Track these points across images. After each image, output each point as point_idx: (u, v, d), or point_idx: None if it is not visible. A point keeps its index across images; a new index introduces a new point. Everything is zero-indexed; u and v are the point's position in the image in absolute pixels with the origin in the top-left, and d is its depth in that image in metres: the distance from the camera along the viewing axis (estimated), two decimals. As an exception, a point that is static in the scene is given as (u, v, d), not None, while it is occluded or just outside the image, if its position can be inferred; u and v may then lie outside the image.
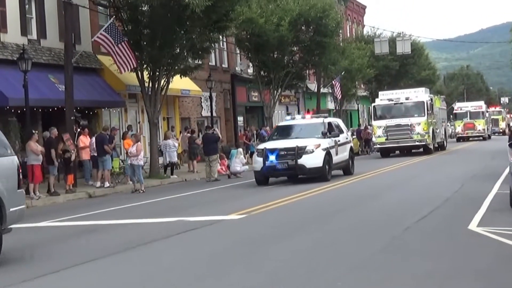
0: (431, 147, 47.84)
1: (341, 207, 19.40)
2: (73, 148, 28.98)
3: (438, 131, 51.33)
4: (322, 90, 64.10)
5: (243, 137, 48.57)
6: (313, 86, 65.09)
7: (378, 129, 48.08)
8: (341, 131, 31.84)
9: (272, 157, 27.95)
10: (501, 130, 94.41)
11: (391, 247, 12.64)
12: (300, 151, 27.84)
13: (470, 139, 74.91)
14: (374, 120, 49.28)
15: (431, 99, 50.06)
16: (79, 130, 31.69)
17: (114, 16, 34.26)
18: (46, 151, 26.76)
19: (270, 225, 16.31)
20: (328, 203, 20.68)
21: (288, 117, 35.80)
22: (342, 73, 58.99)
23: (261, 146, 29.92)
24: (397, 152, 49.21)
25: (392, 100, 48.76)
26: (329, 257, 11.94)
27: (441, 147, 53.04)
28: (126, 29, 34.36)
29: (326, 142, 28.89)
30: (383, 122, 47.86)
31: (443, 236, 13.60)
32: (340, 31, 59.61)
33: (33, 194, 25.88)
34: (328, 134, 29.44)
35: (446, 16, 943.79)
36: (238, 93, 54.72)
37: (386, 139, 47.53)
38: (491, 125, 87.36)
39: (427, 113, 47.29)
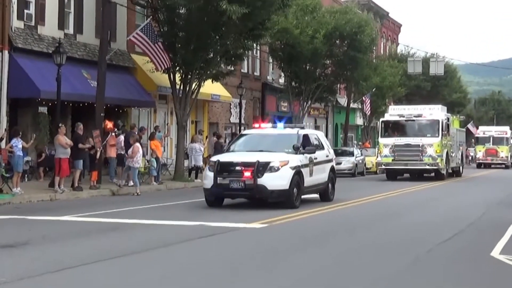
0: (444, 172, 43.39)
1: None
2: (100, 146, 29.09)
3: (453, 154, 46.83)
4: (352, 105, 64.07)
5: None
6: (343, 101, 65.02)
7: (385, 148, 43.56)
8: (320, 147, 26.02)
9: (225, 173, 22.47)
10: None
11: (413, 268, 12.57)
12: (261, 168, 22.18)
13: (492, 166, 71.18)
14: (381, 137, 44.78)
15: (448, 119, 45.72)
16: (115, 130, 31.61)
17: (151, 17, 34.47)
18: (73, 146, 26.86)
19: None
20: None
21: (257, 125, 27.96)
22: (373, 90, 58.92)
23: (214, 158, 24.38)
24: (407, 175, 45.10)
25: (403, 116, 44.23)
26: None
27: (456, 173, 48.45)
28: (161, 30, 34.51)
29: (297, 159, 23.20)
30: (391, 140, 43.49)
31: (465, 261, 13.49)
32: (374, 48, 59.54)
33: (58, 187, 26.01)
34: (301, 149, 23.73)
35: (480, 40, 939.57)
36: (268, 102, 54.77)
37: (393, 160, 43.12)
38: None
39: (442, 134, 42.96)
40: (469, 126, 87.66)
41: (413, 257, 13.59)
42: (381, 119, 46.55)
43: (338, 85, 57.20)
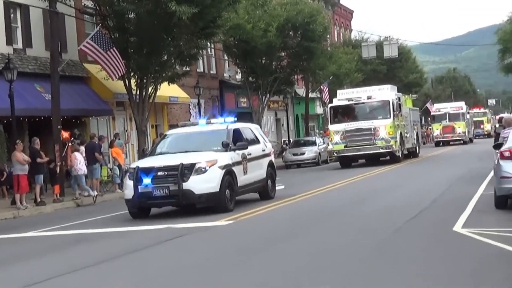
0: (399, 154, 41.52)
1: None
2: (59, 160, 28.85)
3: (408, 135, 45.16)
4: (310, 95, 64.23)
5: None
6: (301, 91, 65.18)
7: (336, 135, 41.27)
8: (255, 141, 23.84)
9: (146, 180, 20.02)
10: (485, 133, 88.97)
11: (382, 248, 12.68)
12: (186, 171, 19.89)
13: (451, 143, 69.91)
14: (331, 124, 42.58)
15: (399, 98, 43.56)
16: (72, 140, 31.38)
17: (100, 24, 34.24)
18: (31, 161, 26.59)
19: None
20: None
21: (189, 122, 25.32)
22: (330, 78, 59.07)
23: (134, 164, 22.32)
24: (362, 160, 43.22)
25: (352, 100, 42.06)
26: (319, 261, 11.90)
27: (412, 153, 46.82)
28: (112, 37, 34.29)
29: (228, 157, 20.95)
30: (342, 126, 41.13)
31: (430, 237, 13.71)
32: (328, 36, 59.78)
33: (20, 204, 25.74)
34: (231, 145, 21.45)
35: (433, 19, 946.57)
36: (227, 99, 54.74)
37: (345, 146, 40.80)
38: (473, 128, 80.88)
39: (394, 114, 40.91)
40: (428, 105, 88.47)
41: (380, 238, 13.73)
42: (329, 105, 44.56)
43: (295, 76, 57.17)
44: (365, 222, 16.43)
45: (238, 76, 53.65)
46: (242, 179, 21.64)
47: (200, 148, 21.52)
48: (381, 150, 40.52)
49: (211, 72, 53.80)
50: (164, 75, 36.26)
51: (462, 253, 11.83)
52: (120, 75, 33.39)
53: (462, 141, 69.74)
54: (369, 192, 24.48)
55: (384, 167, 37.53)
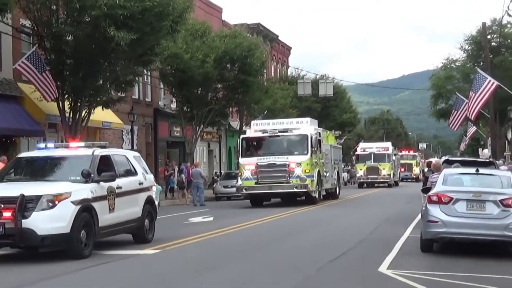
0: (316, 195, 37.99)
1: None
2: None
3: (327, 174, 41.46)
4: (244, 128, 64.33)
5: (163, 172, 48.59)
6: (235, 124, 65.35)
7: (246, 170, 37.37)
8: (130, 172, 19.92)
9: None
10: (414, 176, 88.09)
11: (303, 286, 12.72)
12: (28, 205, 16.00)
13: (375, 185, 67.53)
14: (242, 157, 38.40)
15: (319, 133, 40.25)
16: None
17: (37, 45, 33.92)
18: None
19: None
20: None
21: (43, 145, 20.06)
22: (265, 112, 59.36)
23: None
24: (277, 199, 39.83)
25: (267, 132, 38.19)
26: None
27: (332, 194, 43.27)
28: (48, 58, 33.98)
29: (87, 190, 17.00)
30: (253, 160, 37.33)
31: (354, 277, 13.82)
32: (265, 71, 60.15)
33: None
34: (94, 176, 17.52)
35: (370, 61, 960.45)
36: (160, 128, 54.59)
37: (256, 183, 36.94)
38: (399, 170, 78.43)
39: (312, 151, 37.36)
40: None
41: (303, 276, 13.77)
42: (241, 136, 40.76)
43: (230, 109, 57.42)
44: (288, 259, 16.41)
45: (173, 105, 53.56)
46: (107, 218, 17.74)
47: (56, 177, 17.83)
48: (295, 190, 36.92)
49: (146, 99, 53.63)
50: (98, 99, 36.03)
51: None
52: (51, 98, 33.09)
53: (387, 184, 67.58)
54: (294, 228, 24.54)
55: (301, 208, 34.58)
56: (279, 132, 38.03)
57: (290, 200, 38.51)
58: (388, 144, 74.89)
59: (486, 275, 13.70)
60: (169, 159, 53.14)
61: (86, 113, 35.65)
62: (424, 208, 17.54)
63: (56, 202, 16.12)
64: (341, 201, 43.06)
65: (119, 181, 18.52)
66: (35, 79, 31.95)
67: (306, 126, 39.02)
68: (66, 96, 34.66)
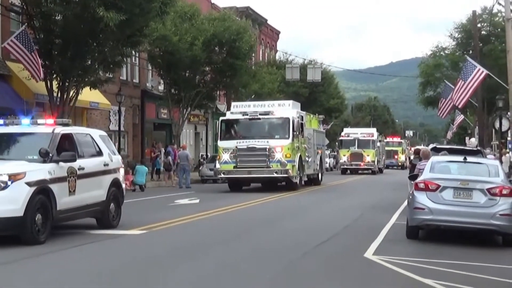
0: (296, 180, 36.68)
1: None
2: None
3: (310, 160, 40.13)
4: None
5: (150, 153, 48.60)
6: (223, 107, 65.32)
7: (225, 153, 36.05)
8: (96, 153, 18.72)
9: None
10: (399, 164, 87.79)
11: (289, 270, 12.78)
12: None
13: (359, 172, 66.55)
14: (221, 139, 37.17)
15: (302, 117, 38.87)
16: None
17: (26, 24, 33.78)
18: None
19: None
20: None
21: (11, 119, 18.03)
22: (252, 96, 59.35)
23: None
24: (258, 184, 38.74)
25: (247, 114, 36.96)
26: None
27: (314, 180, 42.22)
28: (37, 37, 33.85)
29: (44, 171, 15.74)
30: (232, 143, 36.05)
31: (339, 262, 13.91)
32: (253, 55, 60.06)
33: None
34: (53, 155, 16.24)
35: (359, 48, 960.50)
36: (148, 109, 54.53)
37: (234, 167, 35.76)
38: (384, 157, 78.09)
39: (293, 135, 36.14)
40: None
41: (288, 260, 13.83)
42: (220, 118, 39.35)
43: (218, 92, 57.32)
44: (273, 243, 16.45)
45: (161, 87, 53.50)
46: (67, 201, 16.48)
47: (11, 156, 16.61)
48: (276, 175, 35.65)
49: (134, 80, 53.52)
50: (86, 79, 35.93)
51: (371, 279, 12.06)
52: (38, 79, 32.99)
53: (371, 171, 66.88)
54: (278, 212, 24.54)
55: (283, 193, 33.67)
56: (259, 114, 36.83)
57: (271, 185, 37.33)
58: (373, 130, 73.56)
59: (471, 263, 13.80)
60: (155, 140, 53.13)
61: (74, 93, 35.56)
62: (410, 195, 17.62)
63: (9, 183, 14.86)
64: (323, 187, 42.27)
65: (81, 162, 17.28)
66: (24, 58, 31.86)
67: (288, 109, 37.76)
68: (54, 75, 34.55)
